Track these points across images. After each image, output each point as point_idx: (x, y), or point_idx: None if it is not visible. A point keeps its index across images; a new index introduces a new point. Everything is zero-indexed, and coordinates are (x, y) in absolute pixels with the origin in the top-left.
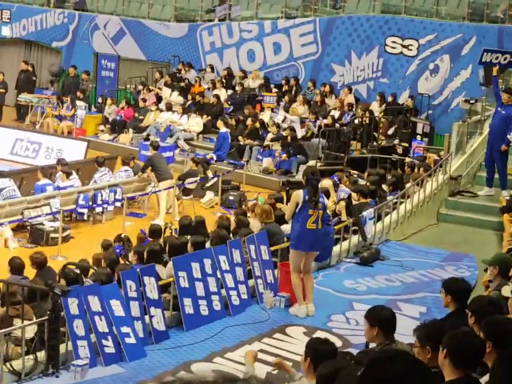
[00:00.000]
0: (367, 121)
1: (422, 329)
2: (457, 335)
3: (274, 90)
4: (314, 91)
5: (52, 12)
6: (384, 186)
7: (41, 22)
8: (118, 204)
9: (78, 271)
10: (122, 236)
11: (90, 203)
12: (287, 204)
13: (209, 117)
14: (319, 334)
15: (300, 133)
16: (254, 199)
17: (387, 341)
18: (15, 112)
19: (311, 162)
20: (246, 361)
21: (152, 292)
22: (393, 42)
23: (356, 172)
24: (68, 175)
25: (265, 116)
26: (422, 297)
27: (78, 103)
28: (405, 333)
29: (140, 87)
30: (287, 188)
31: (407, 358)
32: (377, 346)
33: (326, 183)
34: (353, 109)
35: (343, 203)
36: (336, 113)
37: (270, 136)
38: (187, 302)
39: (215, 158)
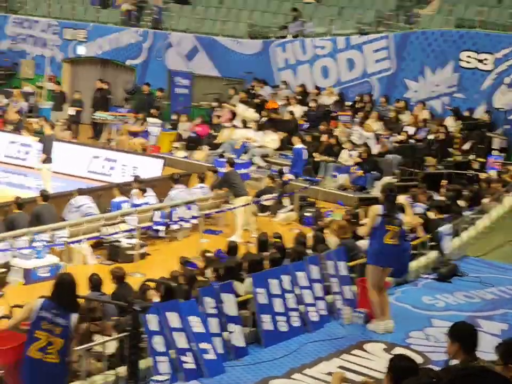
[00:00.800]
0: (442, 137)
1: (504, 346)
2: None
3: (348, 105)
4: (388, 107)
5: (127, 30)
6: (461, 202)
7: (116, 41)
8: (194, 221)
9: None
10: (207, 254)
11: (167, 220)
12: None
13: (284, 134)
14: (398, 351)
15: (375, 149)
16: (329, 214)
17: (469, 357)
18: (91, 130)
19: (386, 179)
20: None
21: (230, 308)
22: (468, 56)
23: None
24: (143, 192)
25: (341, 133)
26: (503, 314)
27: (153, 120)
28: (485, 350)
29: (214, 104)
30: (364, 205)
31: (493, 376)
32: (460, 364)
33: (401, 199)
34: (428, 125)
35: (419, 219)
36: (410, 129)
37: (345, 153)
38: (266, 318)
39: (291, 177)
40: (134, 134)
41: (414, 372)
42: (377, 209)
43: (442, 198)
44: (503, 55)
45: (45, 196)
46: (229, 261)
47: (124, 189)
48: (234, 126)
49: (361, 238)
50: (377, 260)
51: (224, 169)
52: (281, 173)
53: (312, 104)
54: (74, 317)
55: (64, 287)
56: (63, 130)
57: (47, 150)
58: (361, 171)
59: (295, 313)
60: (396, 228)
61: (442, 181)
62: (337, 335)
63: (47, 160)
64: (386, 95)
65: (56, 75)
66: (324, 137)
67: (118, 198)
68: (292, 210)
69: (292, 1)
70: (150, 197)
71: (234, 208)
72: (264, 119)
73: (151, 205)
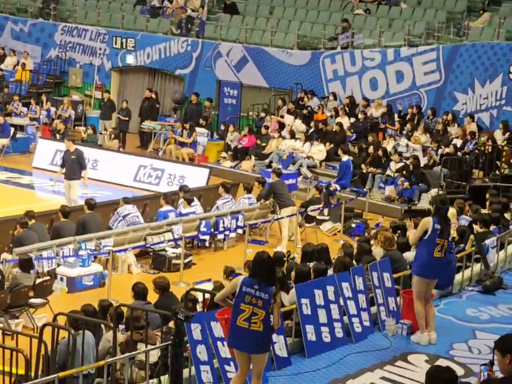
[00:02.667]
0: (490, 150)
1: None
2: None
3: (397, 119)
4: (436, 119)
5: (176, 40)
6: (507, 215)
7: (165, 50)
8: (239, 231)
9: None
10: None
11: (212, 230)
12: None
13: (332, 145)
14: (441, 362)
15: (422, 161)
16: (377, 225)
17: None
18: (138, 139)
19: (433, 191)
20: None
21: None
22: None
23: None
24: (190, 201)
25: (388, 145)
26: None
27: (200, 130)
28: None
29: (263, 114)
30: (410, 216)
31: None
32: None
33: (450, 211)
34: (476, 138)
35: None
36: (458, 142)
37: (393, 164)
38: (309, 329)
39: (338, 188)
40: (182, 144)
41: (453, 383)
42: (429, 221)
43: (488, 211)
44: None
45: (90, 204)
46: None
47: (170, 198)
48: (282, 137)
49: (407, 249)
50: (424, 272)
51: (270, 180)
52: (328, 186)
53: (360, 115)
54: (273, 289)
55: (262, 265)
56: (111, 140)
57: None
58: (408, 183)
59: (338, 324)
60: (445, 241)
61: (488, 194)
62: (380, 346)
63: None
64: (433, 107)
65: (104, 84)
66: (371, 149)
67: (165, 208)
68: (336, 221)
69: (342, 12)
70: (196, 206)
71: (280, 218)
72: (312, 130)
73: (197, 214)
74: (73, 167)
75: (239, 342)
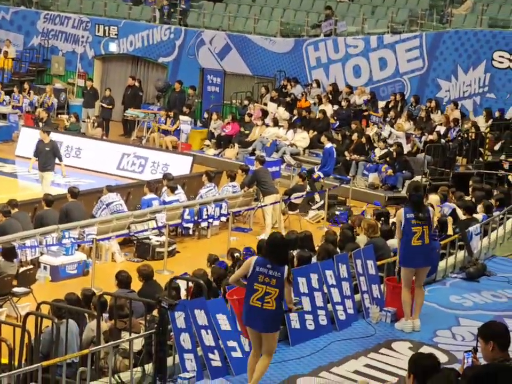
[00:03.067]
0: (473, 137)
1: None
2: None
3: (381, 106)
4: (419, 106)
5: (159, 27)
6: (492, 202)
7: (148, 38)
8: (223, 219)
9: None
10: (235, 255)
11: (196, 218)
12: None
13: (315, 132)
14: (425, 349)
15: (406, 148)
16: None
17: (501, 357)
18: (121, 127)
19: (417, 178)
20: None
21: None
22: (501, 57)
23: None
24: (173, 189)
25: (371, 132)
26: None
27: (184, 118)
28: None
29: (246, 102)
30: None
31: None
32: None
33: (432, 198)
34: (459, 125)
35: (450, 218)
36: (441, 129)
37: (377, 151)
38: (293, 316)
39: (322, 175)
40: (165, 132)
41: (435, 370)
42: (400, 212)
43: (472, 198)
44: None
45: (74, 193)
46: None
47: (154, 186)
48: (265, 125)
49: (390, 236)
50: (407, 262)
51: (254, 167)
52: (311, 172)
53: (343, 103)
54: (285, 269)
55: (275, 245)
56: (94, 128)
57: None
58: (392, 170)
59: (322, 311)
60: (424, 228)
61: (471, 181)
62: (364, 334)
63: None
64: (416, 94)
65: (87, 72)
66: (355, 136)
67: (148, 196)
68: (320, 208)
69: None
70: (180, 194)
71: (263, 206)
72: (295, 117)
73: (180, 202)
74: (46, 158)
75: (251, 321)
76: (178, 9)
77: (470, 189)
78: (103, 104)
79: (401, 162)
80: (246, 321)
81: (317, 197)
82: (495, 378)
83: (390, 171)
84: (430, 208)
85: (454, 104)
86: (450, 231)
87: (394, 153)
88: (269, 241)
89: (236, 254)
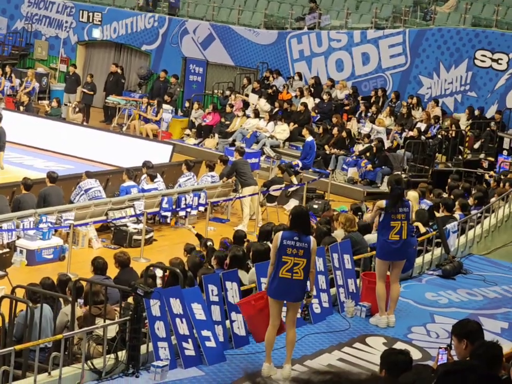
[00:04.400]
0: (453, 135)
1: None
2: None
3: (362, 101)
4: (400, 102)
5: (143, 15)
6: (469, 200)
7: (132, 25)
8: (201, 209)
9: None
10: (208, 244)
11: (174, 206)
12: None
13: (296, 125)
14: (399, 345)
15: (386, 144)
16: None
17: None
18: (102, 114)
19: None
20: None
21: (233, 297)
22: (483, 55)
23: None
24: (153, 178)
25: (352, 126)
26: (505, 312)
27: (165, 106)
28: None
29: (227, 93)
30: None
31: (481, 372)
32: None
33: (410, 194)
34: (440, 122)
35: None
36: (422, 126)
37: (356, 147)
38: None
39: (300, 164)
40: (146, 120)
41: (407, 366)
42: (382, 203)
43: (450, 196)
44: None
45: (52, 177)
46: (234, 250)
47: (133, 173)
48: (246, 116)
49: (367, 231)
50: (382, 255)
51: (233, 158)
52: (290, 167)
53: (325, 96)
54: (311, 239)
55: (300, 217)
56: (75, 113)
57: None
58: (371, 165)
59: None
60: (402, 223)
61: (449, 179)
62: (339, 328)
63: None
64: (397, 91)
65: (70, 57)
66: (335, 130)
67: (127, 183)
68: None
69: None
70: (159, 182)
71: (242, 197)
72: (276, 109)
73: (159, 191)
74: None
75: (282, 293)
76: None
77: (447, 187)
78: (85, 90)
79: (381, 158)
80: (274, 294)
81: (293, 179)
82: (464, 376)
83: (369, 166)
84: (410, 203)
85: (435, 101)
86: (422, 230)
87: (375, 149)
88: (294, 213)
89: (209, 243)
